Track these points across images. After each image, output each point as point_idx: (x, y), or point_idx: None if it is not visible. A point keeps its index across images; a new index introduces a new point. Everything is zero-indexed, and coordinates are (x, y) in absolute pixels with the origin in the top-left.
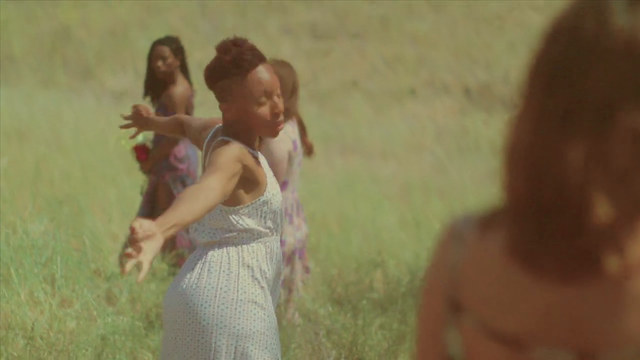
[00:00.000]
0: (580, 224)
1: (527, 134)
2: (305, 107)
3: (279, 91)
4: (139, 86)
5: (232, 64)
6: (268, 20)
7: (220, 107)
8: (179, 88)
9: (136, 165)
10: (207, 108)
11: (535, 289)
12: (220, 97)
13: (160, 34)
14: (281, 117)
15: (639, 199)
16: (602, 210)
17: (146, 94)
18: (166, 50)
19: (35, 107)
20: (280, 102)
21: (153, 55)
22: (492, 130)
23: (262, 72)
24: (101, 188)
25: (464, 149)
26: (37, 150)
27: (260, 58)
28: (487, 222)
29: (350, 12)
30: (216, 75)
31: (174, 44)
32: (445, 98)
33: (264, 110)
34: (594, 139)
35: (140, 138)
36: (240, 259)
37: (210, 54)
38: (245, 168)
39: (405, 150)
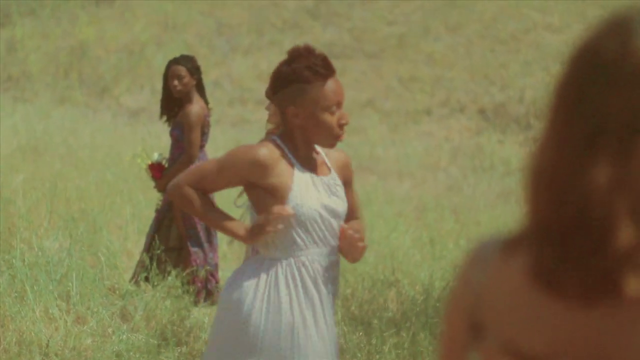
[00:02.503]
0: (602, 246)
1: (550, 157)
2: None
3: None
4: (155, 104)
5: (310, 69)
6: (284, 39)
7: (287, 111)
8: (195, 107)
9: (151, 183)
10: (223, 126)
11: (557, 311)
12: (289, 101)
13: (176, 51)
14: (344, 130)
15: None
16: (625, 233)
17: (162, 113)
18: (182, 70)
19: (51, 125)
20: (347, 115)
21: (169, 75)
22: (507, 150)
23: (337, 82)
24: (117, 205)
25: (479, 168)
26: (53, 167)
27: (333, 69)
28: (511, 245)
29: (367, 31)
30: (288, 79)
31: (189, 63)
32: (460, 118)
33: (333, 119)
34: (617, 163)
35: (155, 156)
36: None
37: (225, 73)
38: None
39: (421, 170)
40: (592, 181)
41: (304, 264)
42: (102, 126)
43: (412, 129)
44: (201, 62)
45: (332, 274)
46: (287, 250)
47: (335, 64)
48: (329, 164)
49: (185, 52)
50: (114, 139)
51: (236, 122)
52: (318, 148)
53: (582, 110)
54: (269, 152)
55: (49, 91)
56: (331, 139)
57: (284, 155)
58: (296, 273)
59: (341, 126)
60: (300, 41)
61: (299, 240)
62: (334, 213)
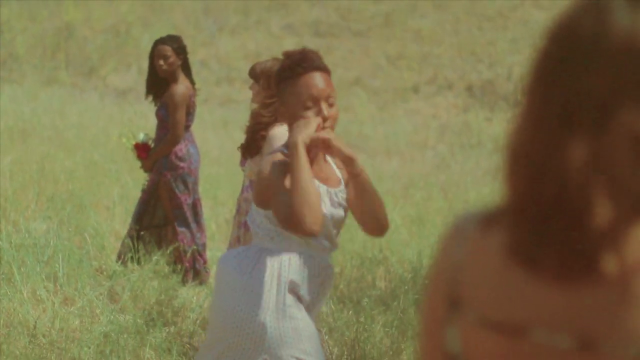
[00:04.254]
0: (579, 224)
1: (528, 132)
2: None
3: (332, 100)
4: (142, 84)
5: (289, 68)
6: (271, 18)
7: (279, 111)
8: (181, 87)
9: (138, 163)
10: (211, 106)
11: (534, 289)
12: (280, 101)
13: (163, 32)
14: (326, 124)
15: (638, 200)
16: (602, 210)
17: (148, 93)
18: (168, 50)
19: (39, 106)
20: (326, 109)
21: (155, 55)
22: (494, 127)
23: (314, 78)
24: (105, 186)
25: (466, 145)
26: (41, 149)
27: (317, 67)
28: (490, 219)
29: (353, 10)
30: (276, 79)
31: (175, 43)
32: (448, 95)
33: (308, 115)
34: (595, 139)
35: (141, 136)
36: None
37: (212, 52)
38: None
39: (409, 148)
40: (568, 158)
41: (297, 259)
42: (89, 106)
43: (400, 107)
44: (188, 42)
45: (324, 275)
46: (284, 244)
47: (322, 42)
48: (339, 175)
49: (172, 32)
50: (101, 119)
51: (224, 101)
52: (328, 158)
53: (558, 86)
54: (269, 169)
55: (36, 73)
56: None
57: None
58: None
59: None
60: (287, 20)
61: (299, 238)
62: (334, 222)
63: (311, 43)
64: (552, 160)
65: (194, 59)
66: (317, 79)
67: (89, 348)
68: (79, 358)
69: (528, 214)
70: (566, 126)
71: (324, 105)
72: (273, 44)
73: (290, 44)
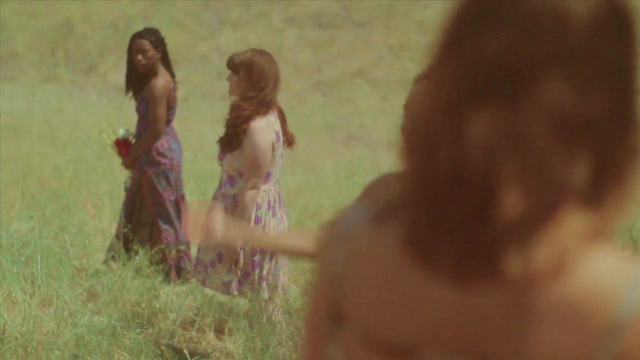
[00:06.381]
0: (480, 212)
1: (427, 104)
2: (310, 97)
3: None
4: None
5: None
6: (272, 10)
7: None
8: (160, 81)
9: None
10: (212, 100)
11: (428, 291)
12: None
13: (163, 26)
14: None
15: (556, 190)
16: (509, 198)
17: (128, 89)
18: (146, 43)
19: (35, 103)
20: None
21: (133, 49)
22: None
23: None
24: (93, 183)
25: None
26: (30, 147)
27: None
28: (382, 216)
29: (355, 0)
30: None
31: (153, 37)
32: None
33: None
34: (506, 112)
35: (121, 132)
36: None
37: (214, 46)
38: None
39: None
40: (471, 132)
41: None
42: (87, 104)
43: (403, 98)
44: (189, 36)
45: None
46: None
47: (324, 34)
48: None
49: (173, 27)
50: (98, 116)
51: (225, 95)
52: None
53: (469, 51)
54: None
55: (35, 70)
56: None
57: None
58: None
59: None
60: (289, 13)
61: None
62: None
63: (313, 35)
64: (448, 134)
65: (195, 53)
66: None
67: (61, 351)
68: None
69: (424, 199)
70: (472, 98)
71: None
72: (274, 37)
73: (292, 36)
